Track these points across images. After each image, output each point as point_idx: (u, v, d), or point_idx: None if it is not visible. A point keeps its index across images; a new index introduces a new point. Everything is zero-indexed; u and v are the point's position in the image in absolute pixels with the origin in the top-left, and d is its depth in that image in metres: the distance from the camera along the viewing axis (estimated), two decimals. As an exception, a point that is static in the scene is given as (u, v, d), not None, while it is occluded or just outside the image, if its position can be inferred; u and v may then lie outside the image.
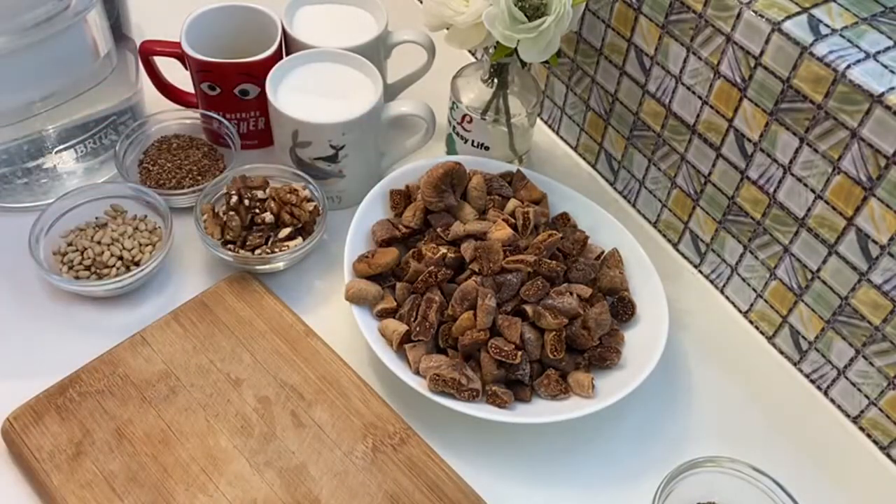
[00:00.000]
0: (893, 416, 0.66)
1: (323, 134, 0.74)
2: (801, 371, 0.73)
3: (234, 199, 0.72)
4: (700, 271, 0.79)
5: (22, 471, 0.62)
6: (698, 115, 0.70)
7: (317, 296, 0.75)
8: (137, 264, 0.72)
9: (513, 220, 0.72)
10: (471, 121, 0.78)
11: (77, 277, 0.71)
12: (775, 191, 0.67)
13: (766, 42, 0.61)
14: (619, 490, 0.65)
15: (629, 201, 0.84)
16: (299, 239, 0.74)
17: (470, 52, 0.93)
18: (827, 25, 0.60)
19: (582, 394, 0.66)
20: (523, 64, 0.74)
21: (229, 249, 0.72)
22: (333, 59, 0.79)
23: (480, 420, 0.64)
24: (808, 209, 0.65)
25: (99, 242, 0.72)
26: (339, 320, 0.72)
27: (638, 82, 0.75)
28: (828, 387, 0.71)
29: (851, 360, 0.67)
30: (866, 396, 0.68)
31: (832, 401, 0.71)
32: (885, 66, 0.57)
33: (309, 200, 0.75)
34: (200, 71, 0.78)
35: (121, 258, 0.72)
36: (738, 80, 0.65)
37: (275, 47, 0.79)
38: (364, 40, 0.80)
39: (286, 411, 0.65)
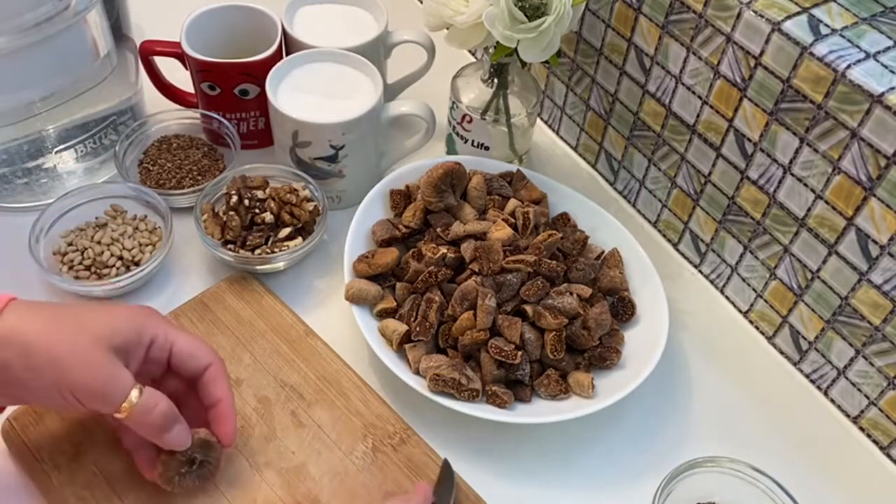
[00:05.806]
0: (893, 416, 0.66)
1: (323, 134, 0.74)
2: (801, 371, 0.73)
3: (234, 199, 0.72)
4: (700, 271, 0.79)
5: (22, 471, 0.62)
6: (698, 115, 0.70)
7: (317, 296, 0.75)
8: (137, 264, 0.72)
9: (513, 220, 0.72)
10: (471, 121, 0.78)
11: (77, 277, 0.71)
12: (775, 191, 0.67)
13: (766, 42, 0.61)
14: (619, 490, 0.65)
15: (629, 201, 0.84)
16: (299, 239, 0.74)
17: (470, 52, 0.93)
18: (827, 25, 0.60)
19: (582, 394, 0.66)
20: (523, 64, 0.74)
21: (229, 249, 0.72)
22: (333, 59, 0.79)
23: (480, 420, 0.64)
24: (808, 209, 0.65)
25: (99, 242, 0.72)
26: (339, 320, 0.72)
27: (638, 82, 0.75)
28: (828, 387, 0.71)
29: (851, 360, 0.67)
30: (866, 396, 0.68)
31: (832, 401, 0.71)
32: (885, 66, 0.57)
33: (309, 200, 0.75)
34: (200, 71, 0.78)
35: (121, 258, 0.72)
36: (738, 80, 0.65)
37: (275, 47, 0.79)
38: (364, 40, 0.80)
39: (286, 411, 0.65)
